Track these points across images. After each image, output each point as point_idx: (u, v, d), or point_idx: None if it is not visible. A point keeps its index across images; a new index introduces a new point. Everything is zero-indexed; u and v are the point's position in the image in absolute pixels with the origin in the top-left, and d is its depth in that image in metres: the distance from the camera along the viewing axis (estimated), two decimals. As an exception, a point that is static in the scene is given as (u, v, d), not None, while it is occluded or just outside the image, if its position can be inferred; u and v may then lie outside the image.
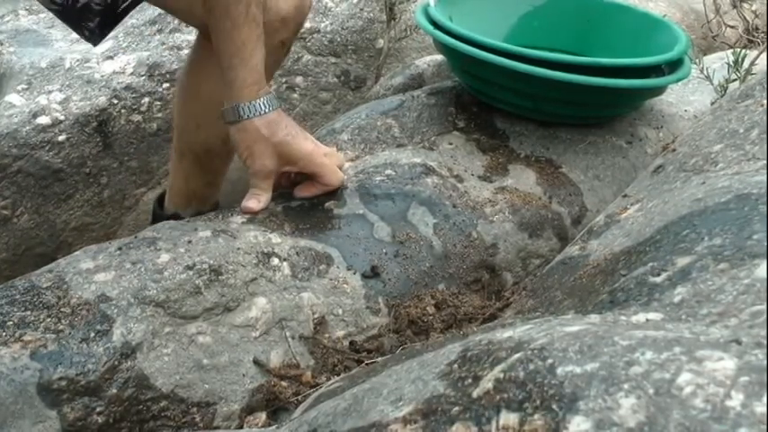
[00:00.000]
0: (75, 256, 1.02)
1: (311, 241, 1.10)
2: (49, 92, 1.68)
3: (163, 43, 1.79)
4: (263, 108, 1.12)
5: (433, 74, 1.62)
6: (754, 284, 0.69)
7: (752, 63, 1.47)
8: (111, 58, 1.75)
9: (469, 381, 0.62)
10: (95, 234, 1.69)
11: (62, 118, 1.63)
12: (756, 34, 2.31)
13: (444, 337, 0.96)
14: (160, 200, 1.43)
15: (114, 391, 0.88)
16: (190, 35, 1.77)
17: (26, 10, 1.98)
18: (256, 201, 1.15)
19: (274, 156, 1.14)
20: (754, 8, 2.39)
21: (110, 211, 1.70)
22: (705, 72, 1.50)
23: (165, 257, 1.00)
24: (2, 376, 0.85)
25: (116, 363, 0.90)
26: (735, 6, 2.39)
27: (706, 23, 2.30)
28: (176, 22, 1.82)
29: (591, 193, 1.30)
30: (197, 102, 1.31)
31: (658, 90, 1.40)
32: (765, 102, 1.06)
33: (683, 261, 0.79)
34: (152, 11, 1.82)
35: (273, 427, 0.88)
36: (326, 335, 1.02)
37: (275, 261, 1.05)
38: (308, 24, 1.84)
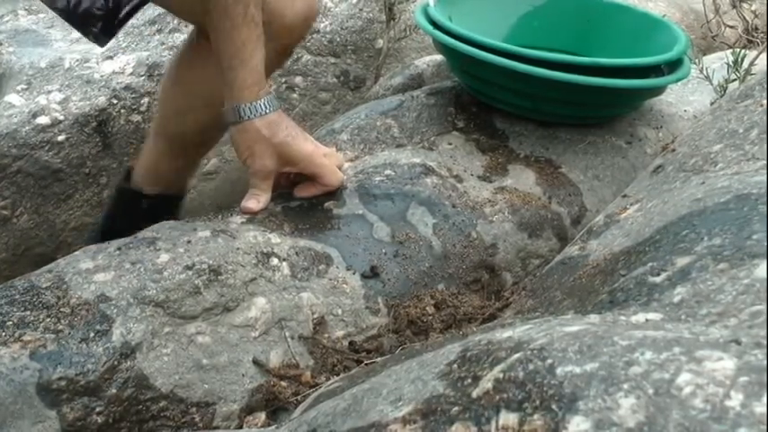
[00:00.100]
0: (75, 256, 1.02)
1: (310, 241, 1.10)
2: (49, 92, 1.68)
3: (162, 43, 1.79)
4: (263, 109, 1.12)
5: (432, 74, 1.62)
6: (753, 284, 0.69)
7: (751, 63, 1.47)
8: (110, 58, 1.75)
9: (469, 381, 0.62)
10: (95, 234, 1.68)
11: (62, 118, 1.63)
12: (756, 34, 2.31)
13: (444, 338, 0.96)
14: (127, 173, 1.43)
15: (114, 391, 0.88)
16: (189, 35, 1.77)
17: (25, 10, 1.98)
18: (256, 201, 1.15)
19: (274, 156, 1.14)
20: (753, 8, 2.39)
21: (109, 212, 1.70)
22: (705, 72, 1.50)
23: (164, 257, 1.00)
24: (1, 376, 0.85)
25: (115, 363, 0.90)
26: (734, 6, 2.39)
27: (705, 23, 2.30)
28: (176, 21, 1.82)
29: (590, 194, 1.30)
30: (180, 91, 1.32)
31: (658, 90, 1.40)
32: (765, 102, 1.06)
33: (682, 261, 0.79)
34: (152, 11, 1.82)
35: (273, 427, 0.88)
36: (326, 335, 1.02)
37: (275, 261, 1.05)
38: (307, 24, 1.84)
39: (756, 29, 2.33)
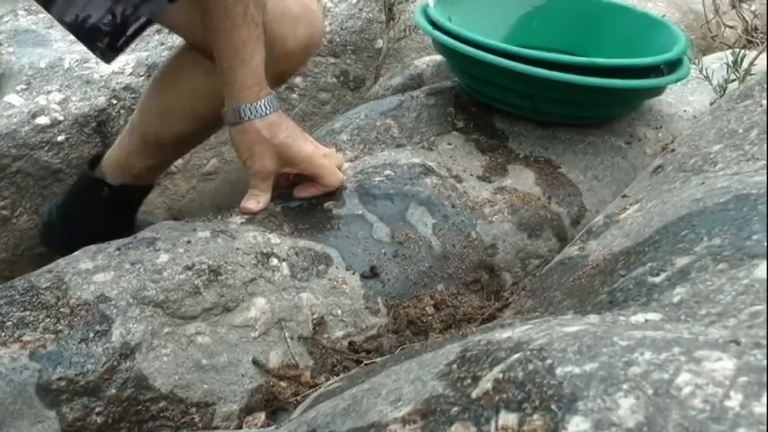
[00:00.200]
0: (75, 257, 1.02)
1: (310, 241, 1.10)
2: (48, 92, 1.68)
3: (162, 43, 1.79)
4: (263, 109, 1.12)
5: (432, 74, 1.62)
6: (753, 285, 0.69)
7: (751, 63, 1.47)
8: (110, 58, 1.75)
9: (468, 381, 0.62)
10: (94, 234, 1.68)
11: (61, 118, 1.63)
12: (755, 34, 2.31)
13: (443, 338, 0.96)
14: (94, 160, 1.43)
15: (113, 391, 0.88)
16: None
17: (25, 10, 1.98)
18: (255, 201, 1.15)
19: (274, 157, 1.14)
20: (753, 8, 2.39)
21: (109, 212, 1.70)
22: (704, 72, 1.50)
23: (164, 258, 1.00)
24: (1, 376, 0.85)
25: (115, 363, 0.90)
26: (734, 7, 2.39)
27: (705, 24, 2.30)
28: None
29: (590, 194, 1.30)
30: (163, 96, 1.32)
31: (657, 90, 1.40)
32: (764, 102, 1.06)
33: (682, 261, 0.79)
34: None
35: (272, 427, 0.88)
36: (325, 335, 1.02)
37: (274, 261, 1.05)
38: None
39: (756, 29, 2.33)
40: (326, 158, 1.19)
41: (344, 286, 1.06)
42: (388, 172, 1.24)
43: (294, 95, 1.86)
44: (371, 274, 1.08)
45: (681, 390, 0.52)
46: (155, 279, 0.97)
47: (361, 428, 0.66)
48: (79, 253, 1.03)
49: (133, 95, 1.70)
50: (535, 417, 0.55)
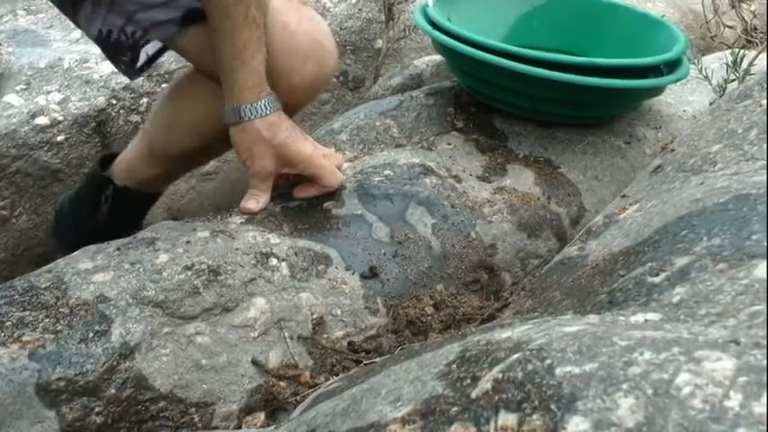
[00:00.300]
0: (74, 257, 1.02)
1: (310, 241, 1.10)
2: (48, 92, 1.68)
3: (161, 43, 1.79)
4: (264, 110, 1.12)
5: (431, 74, 1.62)
6: (752, 285, 0.69)
7: (750, 63, 1.47)
8: (109, 58, 1.75)
9: (468, 381, 0.62)
10: (94, 234, 1.68)
11: (61, 118, 1.63)
12: (755, 34, 2.31)
13: (443, 338, 0.96)
14: (105, 159, 1.43)
15: (113, 391, 0.88)
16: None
17: (24, 10, 1.98)
18: (255, 201, 1.15)
19: (274, 157, 1.14)
20: (752, 8, 2.39)
21: (108, 212, 1.70)
22: (704, 72, 1.50)
23: (163, 258, 1.00)
24: (0, 376, 0.85)
25: (114, 363, 0.90)
26: (733, 7, 2.39)
27: (705, 24, 2.30)
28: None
29: (589, 194, 1.30)
30: (171, 108, 1.32)
31: (657, 90, 1.40)
32: (764, 102, 1.06)
33: (681, 261, 0.79)
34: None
35: (272, 427, 0.88)
36: (325, 335, 1.02)
37: (274, 261, 1.05)
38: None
39: (755, 29, 2.33)
40: (326, 159, 1.19)
41: (344, 286, 1.06)
42: (387, 172, 1.24)
43: (294, 95, 1.86)
44: (371, 274, 1.08)
45: (680, 390, 0.52)
46: (154, 279, 0.97)
47: (360, 428, 0.66)
48: (78, 253, 1.03)
49: (132, 95, 1.70)
50: (535, 417, 0.55)
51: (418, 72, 1.63)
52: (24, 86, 1.69)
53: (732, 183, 0.89)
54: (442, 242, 1.15)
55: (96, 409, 0.87)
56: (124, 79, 1.70)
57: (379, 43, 1.95)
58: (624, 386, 0.54)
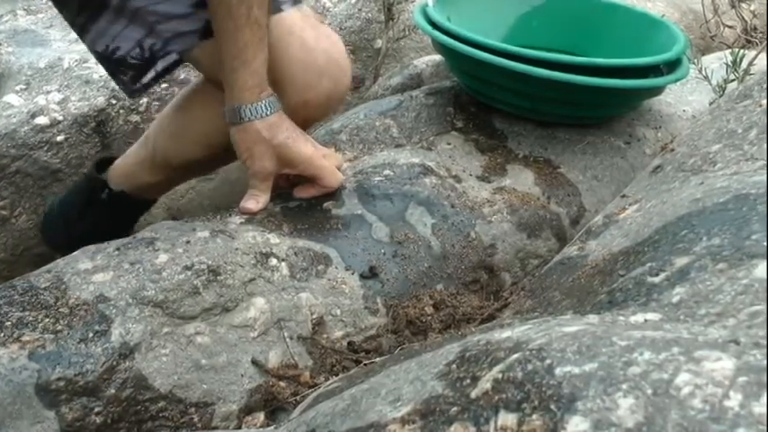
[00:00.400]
0: (74, 257, 1.02)
1: (309, 242, 1.10)
2: (48, 92, 1.68)
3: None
4: (264, 110, 1.12)
5: (431, 74, 1.62)
6: (752, 285, 0.69)
7: (750, 63, 1.47)
8: (109, 58, 1.75)
9: (468, 381, 0.62)
10: (94, 234, 1.68)
11: (60, 118, 1.63)
12: (755, 34, 2.31)
13: (443, 338, 0.96)
14: (102, 162, 1.43)
15: (112, 391, 0.88)
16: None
17: (24, 10, 1.98)
18: (255, 201, 1.15)
19: (274, 158, 1.14)
20: (752, 8, 2.39)
21: (108, 212, 1.70)
22: (703, 72, 1.50)
23: (163, 258, 1.00)
24: (0, 376, 0.85)
25: (114, 363, 0.89)
26: (733, 6, 2.39)
27: (704, 23, 2.30)
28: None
29: (589, 194, 1.30)
30: (179, 117, 1.32)
31: (656, 90, 1.40)
32: (764, 102, 1.06)
33: (681, 261, 0.79)
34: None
35: (272, 427, 0.88)
36: (325, 335, 1.02)
37: (273, 261, 1.05)
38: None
39: (755, 29, 2.33)
40: (326, 159, 1.19)
41: (344, 286, 1.06)
42: (387, 172, 1.24)
43: (293, 95, 1.86)
44: (371, 274, 1.08)
45: (680, 390, 0.52)
46: (154, 279, 0.97)
47: (360, 428, 0.66)
48: (78, 253, 1.03)
49: (132, 95, 1.69)
50: (534, 417, 0.55)
51: (418, 72, 1.63)
52: (24, 86, 1.69)
53: (732, 183, 0.89)
54: (441, 242, 1.15)
55: (96, 410, 0.87)
56: (124, 79, 1.70)
57: (379, 43, 1.95)
58: (624, 386, 0.54)
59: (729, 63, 1.43)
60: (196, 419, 0.92)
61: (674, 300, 0.73)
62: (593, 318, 0.74)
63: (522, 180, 1.29)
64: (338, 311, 1.04)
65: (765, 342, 0.59)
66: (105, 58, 1.23)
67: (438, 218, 1.18)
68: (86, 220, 1.41)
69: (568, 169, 1.33)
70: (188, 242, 1.03)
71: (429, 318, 1.06)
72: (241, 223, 1.12)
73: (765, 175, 0.87)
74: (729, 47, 2.04)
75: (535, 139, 1.37)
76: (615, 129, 1.42)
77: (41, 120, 1.62)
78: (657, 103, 1.50)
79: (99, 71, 1.72)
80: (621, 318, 0.73)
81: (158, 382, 0.91)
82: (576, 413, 0.53)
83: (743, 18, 2.35)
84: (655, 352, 0.56)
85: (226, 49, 1.11)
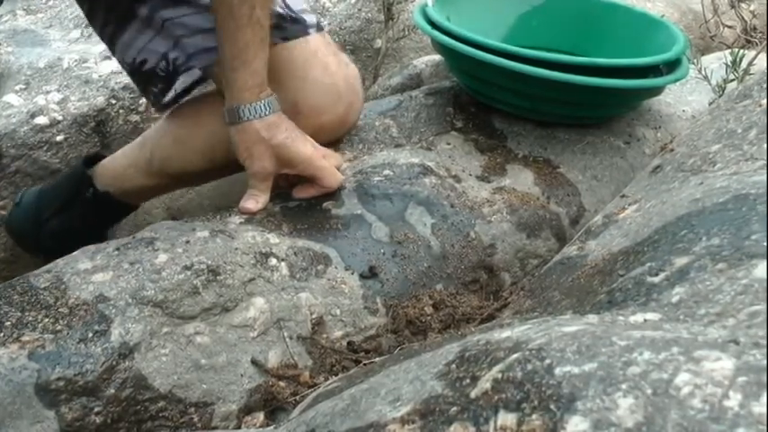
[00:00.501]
0: (73, 257, 1.02)
1: (309, 241, 1.10)
2: (47, 92, 1.68)
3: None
4: (263, 110, 1.12)
5: (431, 74, 1.62)
6: (752, 284, 0.69)
7: (750, 63, 1.47)
8: (108, 58, 1.75)
9: (467, 381, 0.62)
10: (93, 234, 1.68)
11: (60, 118, 1.63)
12: (754, 34, 2.31)
13: (442, 338, 0.96)
14: (91, 159, 1.42)
15: (112, 391, 0.88)
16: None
17: (24, 10, 1.98)
18: (254, 201, 1.15)
19: (273, 158, 1.14)
20: (752, 8, 2.39)
21: (108, 212, 1.69)
22: (703, 72, 1.50)
23: (162, 258, 1.00)
24: (0, 376, 0.85)
25: (114, 363, 0.90)
26: (733, 6, 2.39)
27: (704, 23, 2.30)
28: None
29: (589, 194, 1.30)
30: (183, 125, 1.31)
31: (656, 90, 1.40)
32: (764, 102, 1.06)
33: (681, 261, 0.79)
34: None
35: (271, 427, 0.88)
36: (324, 335, 1.02)
37: (273, 261, 1.05)
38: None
39: (755, 29, 2.33)
40: (326, 159, 1.19)
41: (343, 286, 1.06)
42: (386, 172, 1.24)
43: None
44: (370, 273, 1.08)
45: (680, 390, 0.52)
46: (153, 279, 0.97)
47: (359, 428, 0.66)
48: (78, 253, 1.03)
49: (132, 95, 1.70)
50: (534, 417, 0.55)
51: (417, 72, 1.63)
52: (24, 86, 1.69)
53: (731, 183, 0.89)
54: (441, 242, 1.15)
55: (96, 409, 0.87)
56: (123, 79, 1.70)
57: (379, 43, 1.95)
58: (623, 386, 0.54)
59: (729, 63, 1.43)
60: (196, 419, 0.92)
61: (674, 300, 0.73)
62: (592, 318, 0.74)
63: (521, 180, 1.29)
64: (338, 311, 1.04)
65: (765, 342, 0.59)
66: (133, 71, 1.24)
67: (438, 218, 1.18)
68: (66, 213, 1.38)
69: (568, 169, 1.33)
70: (188, 242, 1.03)
71: (429, 318, 1.06)
72: (241, 223, 1.12)
73: (765, 175, 0.87)
74: (729, 47, 2.04)
75: (535, 138, 1.37)
76: (615, 129, 1.42)
77: (41, 120, 1.62)
78: (657, 103, 1.50)
79: (99, 71, 1.72)
80: (621, 318, 0.73)
81: (158, 382, 0.91)
82: (575, 413, 0.53)
83: (742, 18, 2.35)
84: (654, 352, 0.57)
85: (227, 49, 1.11)
